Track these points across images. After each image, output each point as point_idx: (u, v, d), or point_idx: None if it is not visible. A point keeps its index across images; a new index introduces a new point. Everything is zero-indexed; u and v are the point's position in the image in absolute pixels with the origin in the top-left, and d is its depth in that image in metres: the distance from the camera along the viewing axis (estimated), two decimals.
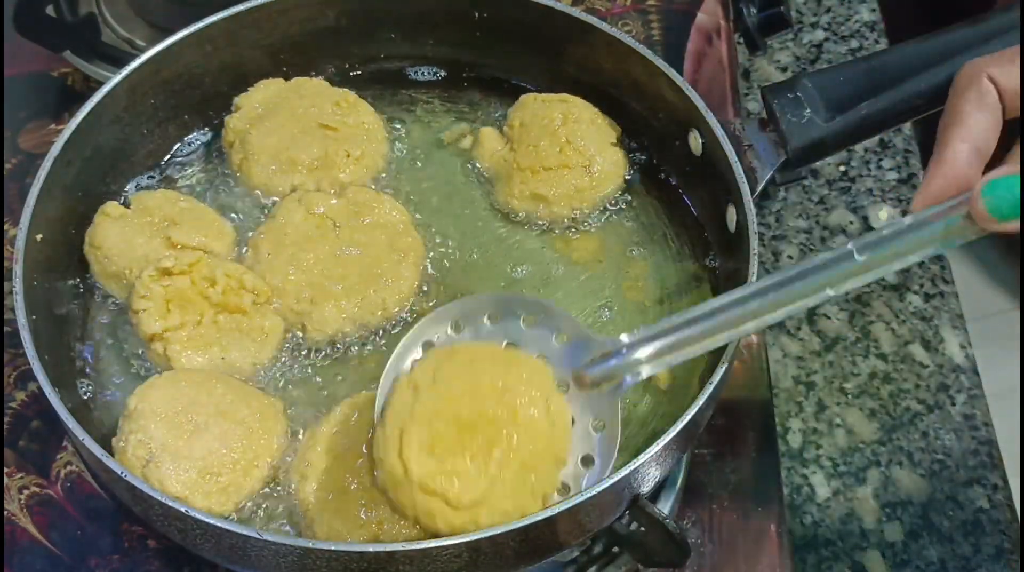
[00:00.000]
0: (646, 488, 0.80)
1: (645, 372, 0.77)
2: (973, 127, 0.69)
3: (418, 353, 0.83)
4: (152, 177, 1.01)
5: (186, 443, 0.81)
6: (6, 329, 1.03)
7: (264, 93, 1.01)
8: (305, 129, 0.98)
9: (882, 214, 1.17)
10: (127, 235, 0.92)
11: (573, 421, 0.80)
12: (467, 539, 0.73)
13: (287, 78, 1.05)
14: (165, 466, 0.80)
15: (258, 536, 0.73)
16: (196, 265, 0.88)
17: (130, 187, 1.00)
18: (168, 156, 1.03)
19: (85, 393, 0.89)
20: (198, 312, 0.88)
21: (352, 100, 1.02)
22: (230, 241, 0.94)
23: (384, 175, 1.02)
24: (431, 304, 0.94)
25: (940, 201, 0.69)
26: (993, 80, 0.70)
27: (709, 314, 0.75)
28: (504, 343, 0.83)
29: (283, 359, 0.90)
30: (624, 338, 0.78)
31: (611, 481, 0.75)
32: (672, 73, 0.95)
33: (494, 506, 0.75)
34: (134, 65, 0.95)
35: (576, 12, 0.99)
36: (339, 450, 0.82)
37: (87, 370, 0.90)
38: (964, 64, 0.72)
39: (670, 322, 0.77)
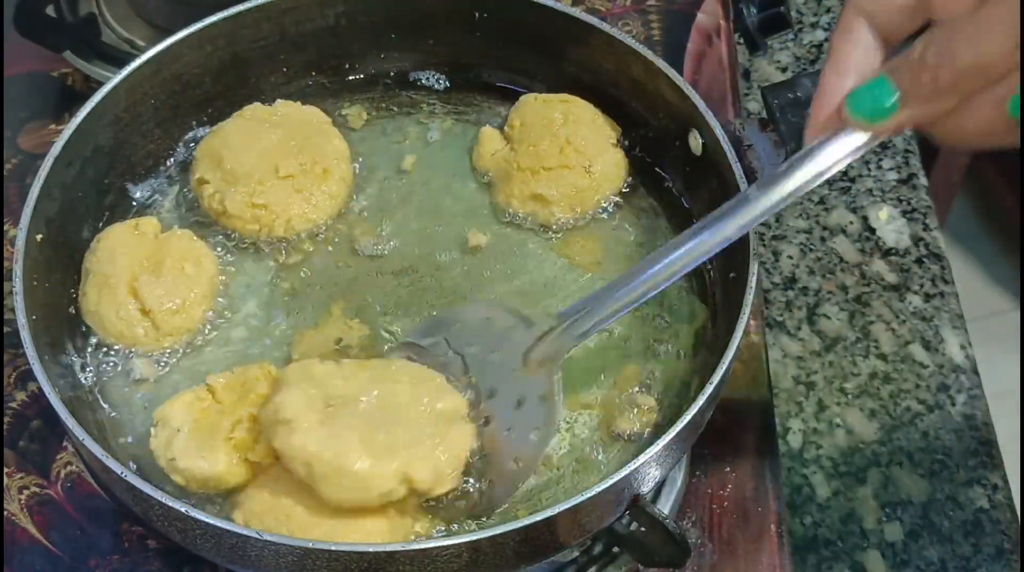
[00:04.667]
0: (646, 488, 0.80)
1: (580, 340, 0.84)
2: (844, 60, 0.72)
3: None
4: (153, 178, 1.01)
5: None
6: (6, 329, 1.03)
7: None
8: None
9: (882, 214, 1.17)
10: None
11: (521, 402, 0.84)
12: (467, 539, 0.73)
13: (287, 78, 1.05)
14: None
15: (258, 536, 0.73)
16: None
17: (129, 187, 1.00)
18: (168, 156, 1.03)
19: (85, 393, 0.89)
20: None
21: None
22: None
23: (383, 175, 1.02)
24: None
25: (823, 131, 0.73)
26: (860, 8, 0.72)
27: (632, 276, 0.82)
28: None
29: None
30: (560, 310, 0.85)
31: (611, 481, 0.75)
32: (672, 73, 0.95)
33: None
34: (134, 65, 0.95)
35: (576, 12, 0.99)
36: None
37: (87, 370, 0.90)
38: None
39: (597, 292, 0.84)
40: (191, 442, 0.82)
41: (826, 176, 0.74)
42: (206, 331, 0.92)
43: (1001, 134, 0.67)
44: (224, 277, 0.95)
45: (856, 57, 0.72)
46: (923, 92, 0.66)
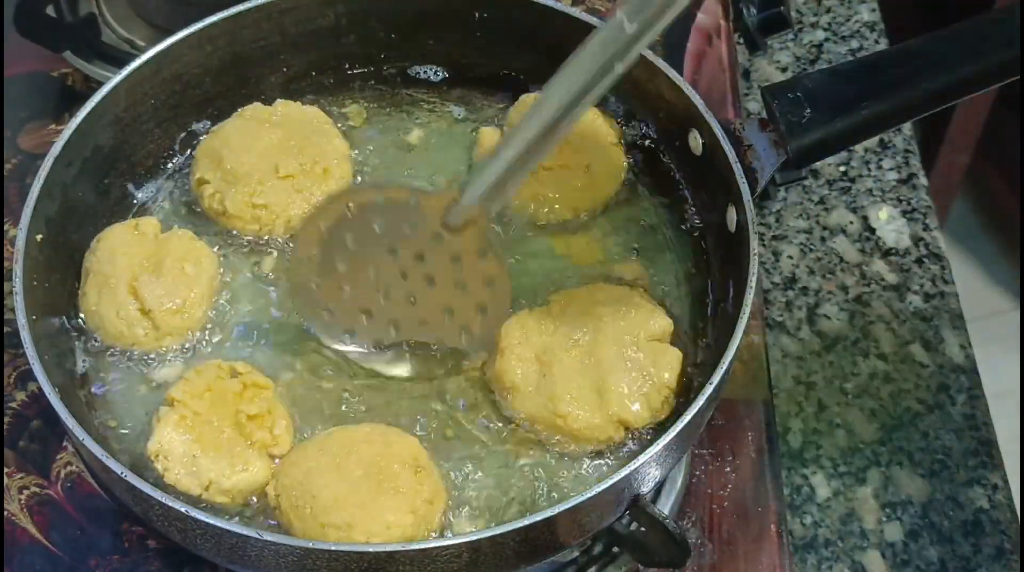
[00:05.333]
0: (646, 488, 0.80)
1: (496, 206, 0.85)
2: None
3: None
4: (153, 178, 1.01)
5: None
6: (6, 329, 1.03)
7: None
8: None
9: (882, 214, 1.17)
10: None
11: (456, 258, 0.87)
12: (467, 539, 0.73)
13: (287, 78, 1.05)
14: None
15: (258, 536, 0.73)
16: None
17: (129, 187, 1.00)
18: (168, 156, 1.03)
19: (85, 393, 0.89)
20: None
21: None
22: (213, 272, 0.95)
23: (383, 175, 1.02)
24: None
25: None
26: None
27: (523, 133, 0.80)
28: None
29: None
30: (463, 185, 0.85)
31: (611, 481, 0.75)
32: (672, 73, 0.95)
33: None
34: (134, 65, 0.95)
35: (576, 12, 0.99)
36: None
37: (87, 370, 0.90)
38: None
39: (484, 163, 0.84)
40: (215, 461, 0.83)
41: None
42: (206, 331, 0.92)
43: None
44: (224, 277, 0.95)
45: None
46: None
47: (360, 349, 0.91)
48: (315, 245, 0.89)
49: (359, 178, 1.01)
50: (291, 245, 0.93)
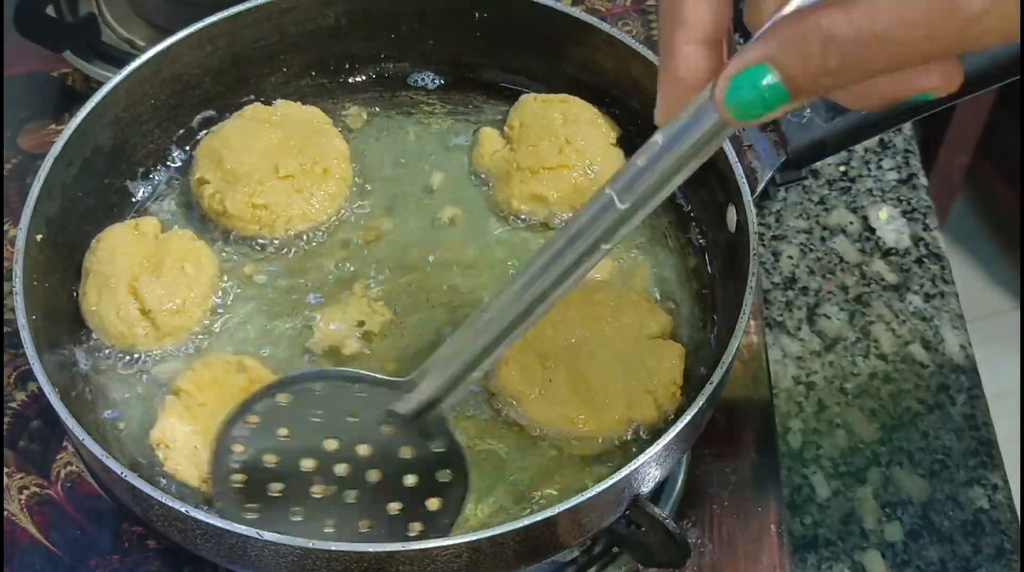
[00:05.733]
0: (646, 488, 0.80)
1: (454, 400, 0.79)
2: (695, 22, 0.60)
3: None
4: (153, 178, 1.01)
5: None
6: (6, 329, 1.03)
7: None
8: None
9: (882, 214, 1.17)
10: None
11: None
12: (467, 539, 0.73)
13: (287, 78, 1.05)
14: None
15: (258, 536, 0.73)
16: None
17: (129, 187, 1.00)
18: (168, 156, 1.03)
19: (85, 393, 0.89)
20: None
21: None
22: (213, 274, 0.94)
23: (382, 175, 1.02)
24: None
25: (678, 108, 0.60)
26: None
27: (489, 323, 0.73)
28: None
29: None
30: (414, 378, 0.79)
31: (611, 481, 0.75)
32: None
33: None
34: (134, 65, 0.95)
35: (576, 12, 0.99)
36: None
37: (87, 370, 0.90)
38: None
39: (445, 350, 0.77)
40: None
41: (693, 166, 0.62)
42: (206, 331, 0.92)
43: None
44: (224, 277, 0.95)
45: (705, 16, 0.59)
46: (819, 80, 0.52)
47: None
48: (241, 440, 0.82)
49: (359, 178, 1.01)
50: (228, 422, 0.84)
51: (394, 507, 0.79)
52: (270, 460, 0.81)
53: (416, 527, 0.79)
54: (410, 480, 0.80)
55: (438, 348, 0.78)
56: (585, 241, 0.66)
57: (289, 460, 0.81)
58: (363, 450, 0.81)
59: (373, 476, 0.80)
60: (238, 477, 0.80)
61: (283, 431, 0.82)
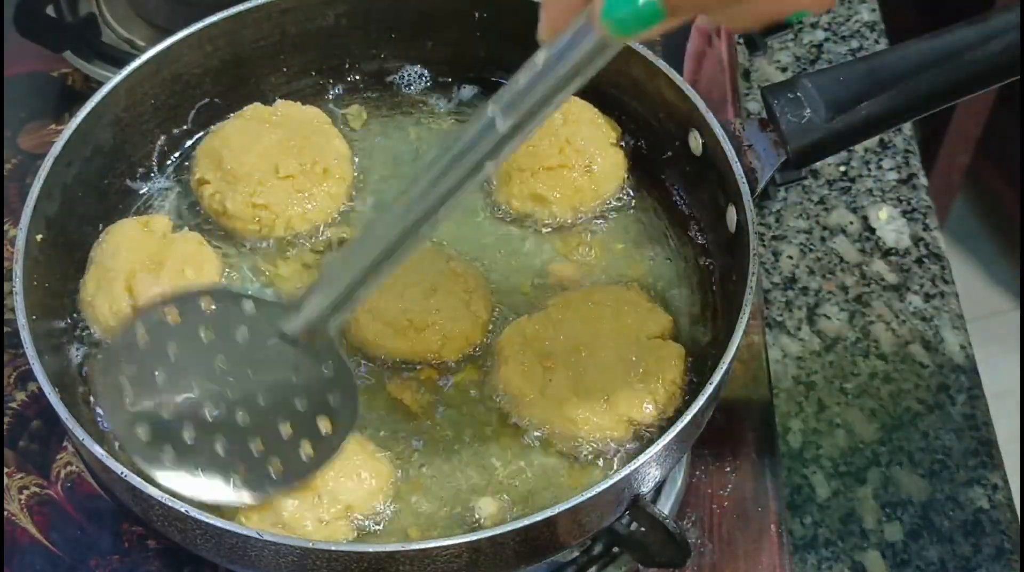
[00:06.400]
0: (646, 488, 0.80)
1: (340, 318, 0.77)
2: None
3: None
4: (153, 178, 1.01)
5: None
6: (6, 329, 1.03)
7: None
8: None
9: (882, 214, 1.17)
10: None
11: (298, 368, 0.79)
12: (467, 539, 0.73)
13: (287, 78, 1.05)
14: None
15: (258, 536, 0.73)
16: None
17: (129, 187, 1.00)
18: (168, 156, 1.03)
19: (85, 393, 0.89)
20: None
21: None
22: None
23: (383, 175, 1.02)
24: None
25: (560, 27, 0.62)
26: None
27: (375, 241, 0.72)
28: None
29: None
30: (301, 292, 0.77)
31: (611, 481, 0.75)
32: (672, 73, 0.95)
33: None
34: (134, 65, 0.95)
35: None
36: None
37: (87, 370, 0.90)
38: None
39: (330, 269, 0.76)
40: None
41: (576, 86, 0.62)
42: None
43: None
44: (224, 278, 0.95)
45: None
46: None
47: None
48: (130, 356, 0.79)
49: (359, 177, 1.01)
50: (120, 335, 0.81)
51: (285, 428, 0.78)
52: (160, 380, 0.79)
53: (307, 447, 0.78)
54: (300, 402, 0.79)
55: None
56: (470, 159, 0.67)
57: (179, 380, 0.79)
58: (253, 370, 0.79)
59: (263, 397, 0.79)
60: (129, 399, 0.79)
61: (172, 348, 0.79)
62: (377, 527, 0.82)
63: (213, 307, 0.80)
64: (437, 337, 0.89)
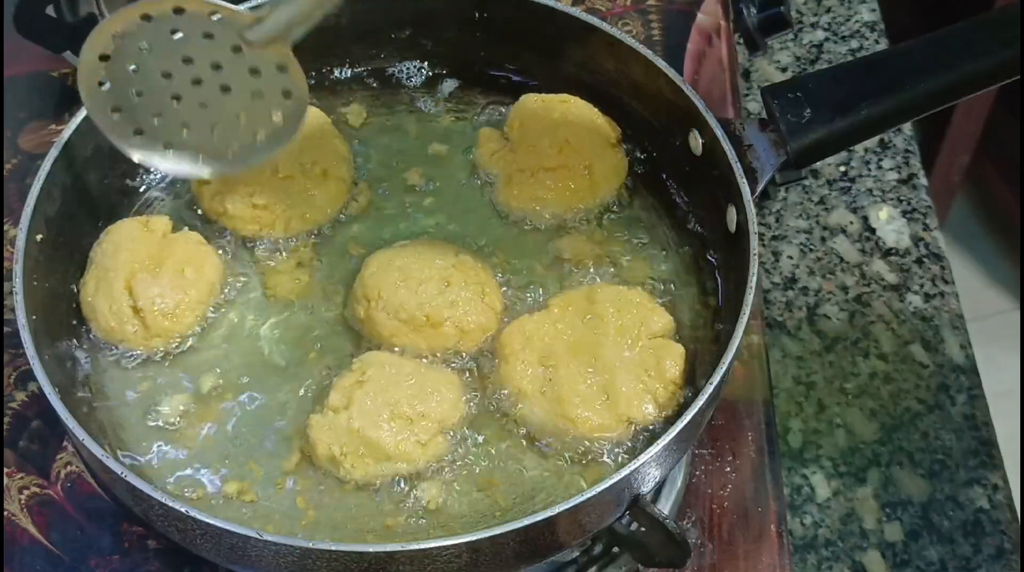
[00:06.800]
0: (646, 488, 0.80)
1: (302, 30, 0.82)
2: None
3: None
4: (153, 178, 1.01)
5: None
6: (6, 329, 1.03)
7: None
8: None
9: (882, 214, 1.17)
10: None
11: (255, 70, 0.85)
12: (467, 539, 0.73)
13: None
14: None
15: (258, 536, 0.73)
16: None
17: (130, 187, 1.00)
18: None
19: (85, 393, 0.89)
20: None
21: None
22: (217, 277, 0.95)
23: (383, 174, 1.02)
24: None
25: None
26: None
27: None
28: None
29: None
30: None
31: (611, 481, 0.75)
32: (672, 73, 0.95)
33: None
34: None
35: (577, 12, 0.99)
36: None
37: (87, 370, 0.90)
38: None
39: None
40: None
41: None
42: (200, 332, 0.92)
43: None
44: (223, 278, 0.95)
45: None
46: None
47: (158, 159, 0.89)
48: (107, 48, 0.86)
49: (359, 177, 1.01)
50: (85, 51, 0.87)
51: (243, 118, 0.87)
52: (131, 69, 0.86)
53: (261, 134, 0.86)
54: (257, 98, 0.86)
55: None
56: None
57: (149, 70, 0.86)
58: (216, 69, 0.85)
59: (224, 92, 0.86)
60: (105, 85, 0.87)
61: (144, 44, 0.85)
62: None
63: (184, 11, 0.84)
64: (454, 331, 0.90)
